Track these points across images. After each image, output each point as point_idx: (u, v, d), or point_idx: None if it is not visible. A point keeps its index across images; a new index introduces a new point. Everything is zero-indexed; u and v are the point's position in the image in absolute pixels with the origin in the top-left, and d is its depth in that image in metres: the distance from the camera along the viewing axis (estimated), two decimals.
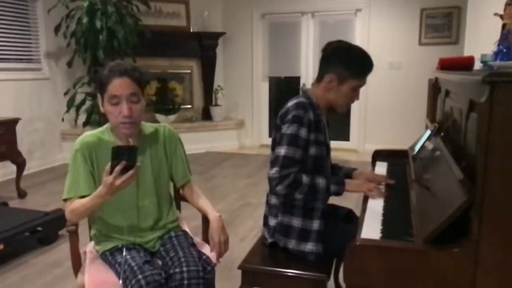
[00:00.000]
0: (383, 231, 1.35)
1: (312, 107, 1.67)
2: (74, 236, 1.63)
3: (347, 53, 1.68)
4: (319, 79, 1.73)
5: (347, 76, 1.66)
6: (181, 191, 1.85)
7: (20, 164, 4.07)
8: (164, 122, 5.50)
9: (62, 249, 2.95)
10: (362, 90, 1.77)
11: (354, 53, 1.69)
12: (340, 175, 1.92)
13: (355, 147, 6.26)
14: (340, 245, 1.53)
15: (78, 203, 1.52)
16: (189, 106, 6.58)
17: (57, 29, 4.98)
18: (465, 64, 1.88)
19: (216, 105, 6.57)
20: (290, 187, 1.59)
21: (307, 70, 6.34)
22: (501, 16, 1.96)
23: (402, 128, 5.86)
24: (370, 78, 1.74)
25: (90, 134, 1.62)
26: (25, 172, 4.17)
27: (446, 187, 1.31)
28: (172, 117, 6.14)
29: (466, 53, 4.46)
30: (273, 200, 1.77)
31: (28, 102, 5.07)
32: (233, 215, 3.62)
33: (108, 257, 1.60)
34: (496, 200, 1.10)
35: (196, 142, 6.02)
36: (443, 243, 1.16)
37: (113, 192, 1.40)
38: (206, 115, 6.59)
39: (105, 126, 1.65)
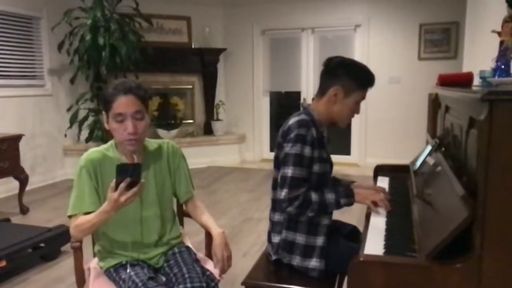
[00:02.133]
0: (386, 247, 1.36)
1: (314, 124, 1.68)
2: (78, 252, 1.64)
3: (352, 66, 1.71)
4: (321, 93, 1.72)
5: (354, 88, 1.68)
6: (184, 206, 1.86)
7: (23, 180, 4.07)
8: (166, 137, 5.55)
9: (64, 265, 2.95)
10: (363, 104, 1.79)
11: (359, 65, 1.72)
12: (347, 186, 1.92)
13: (356, 161, 6.28)
14: (341, 262, 1.53)
15: (83, 219, 1.53)
16: (191, 121, 6.62)
17: (60, 46, 5.05)
18: (464, 80, 1.90)
19: (218, 119, 6.61)
20: (301, 207, 1.61)
21: (308, 85, 6.39)
22: (499, 33, 1.99)
23: (403, 142, 5.88)
24: (370, 92, 1.76)
25: (95, 150, 1.64)
26: (27, 188, 4.18)
27: (448, 202, 1.32)
28: (173, 132, 6.18)
29: (465, 67, 4.50)
30: (276, 217, 1.77)
31: (31, 118, 5.11)
32: (235, 230, 3.61)
33: (112, 274, 1.61)
34: (497, 215, 1.11)
35: (198, 156, 6.03)
36: (446, 259, 1.16)
37: (118, 208, 1.41)
38: (208, 130, 6.63)
39: (109, 143, 1.67)
